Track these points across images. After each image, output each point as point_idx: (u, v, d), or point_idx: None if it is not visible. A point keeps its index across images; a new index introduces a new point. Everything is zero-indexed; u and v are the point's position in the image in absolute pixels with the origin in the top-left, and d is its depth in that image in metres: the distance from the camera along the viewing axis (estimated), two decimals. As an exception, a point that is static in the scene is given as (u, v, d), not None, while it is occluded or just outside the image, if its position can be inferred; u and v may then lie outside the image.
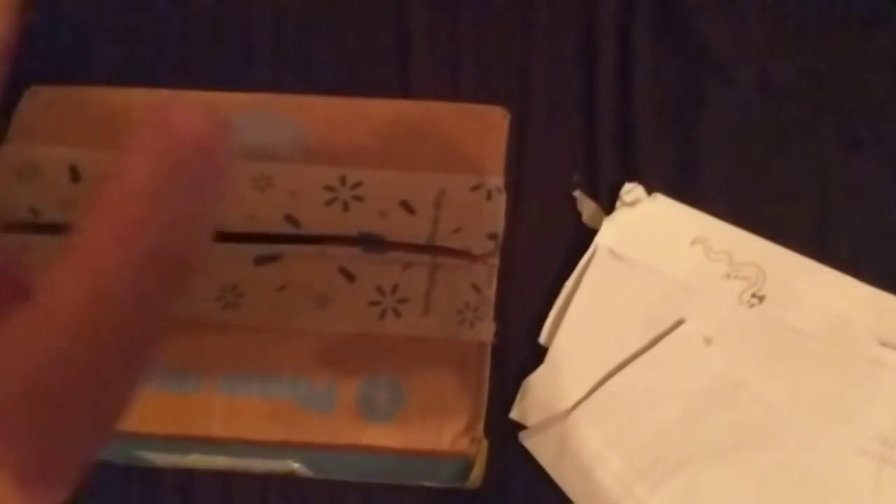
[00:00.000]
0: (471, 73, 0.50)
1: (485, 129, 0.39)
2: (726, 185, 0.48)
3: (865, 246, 0.45)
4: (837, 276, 0.44)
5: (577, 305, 0.45)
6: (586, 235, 0.47)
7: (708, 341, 0.43)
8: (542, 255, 0.47)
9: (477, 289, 0.36)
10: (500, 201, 0.38)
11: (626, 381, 0.43)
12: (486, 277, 0.36)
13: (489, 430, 0.43)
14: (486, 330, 0.36)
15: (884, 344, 0.43)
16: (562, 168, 0.49)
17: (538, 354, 0.45)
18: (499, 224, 0.37)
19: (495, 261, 0.37)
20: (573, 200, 0.48)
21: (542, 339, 0.45)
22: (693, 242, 0.46)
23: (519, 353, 0.45)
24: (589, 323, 0.45)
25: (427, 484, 0.41)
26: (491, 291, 0.36)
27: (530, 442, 0.43)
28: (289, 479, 0.41)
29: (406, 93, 0.49)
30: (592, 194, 0.48)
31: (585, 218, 0.48)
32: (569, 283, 0.46)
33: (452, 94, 0.49)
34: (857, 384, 0.42)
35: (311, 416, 0.34)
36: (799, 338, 0.43)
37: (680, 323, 0.44)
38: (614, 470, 0.41)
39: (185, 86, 0.42)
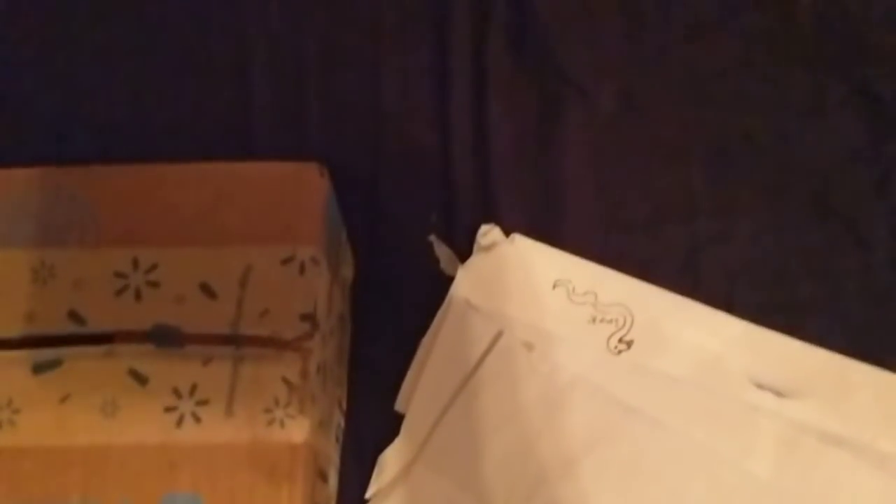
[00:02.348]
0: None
1: (298, 190, 0.35)
2: (590, 219, 0.44)
3: (737, 276, 0.42)
4: (709, 312, 0.41)
5: (432, 366, 0.41)
6: (445, 285, 0.43)
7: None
8: (399, 311, 0.43)
9: (287, 382, 0.32)
10: (316, 274, 0.34)
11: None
12: (299, 367, 0.32)
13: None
14: (299, 429, 0.32)
15: (759, 386, 0.39)
16: (418, 211, 0.45)
17: (397, 424, 0.41)
18: (315, 301, 0.33)
19: (311, 345, 0.33)
20: (431, 246, 0.44)
21: (398, 405, 0.41)
22: (555, 286, 0.42)
23: (375, 424, 0.41)
24: (446, 384, 0.41)
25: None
26: (306, 381, 0.32)
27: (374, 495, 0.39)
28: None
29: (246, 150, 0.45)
30: (450, 238, 0.44)
31: (442, 265, 0.44)
32: (425, 342, 0.42)
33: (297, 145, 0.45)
34: (733, 434, 0.39)
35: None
36: (671, 386, 0.40)
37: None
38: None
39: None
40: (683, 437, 0.38)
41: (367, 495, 0.40)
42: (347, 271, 0.42)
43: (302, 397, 0.32)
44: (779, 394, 0.39)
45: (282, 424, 0.31)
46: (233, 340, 0.32)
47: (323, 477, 0.36)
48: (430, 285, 0.43)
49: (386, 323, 0.43)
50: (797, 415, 0.39)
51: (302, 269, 0.34)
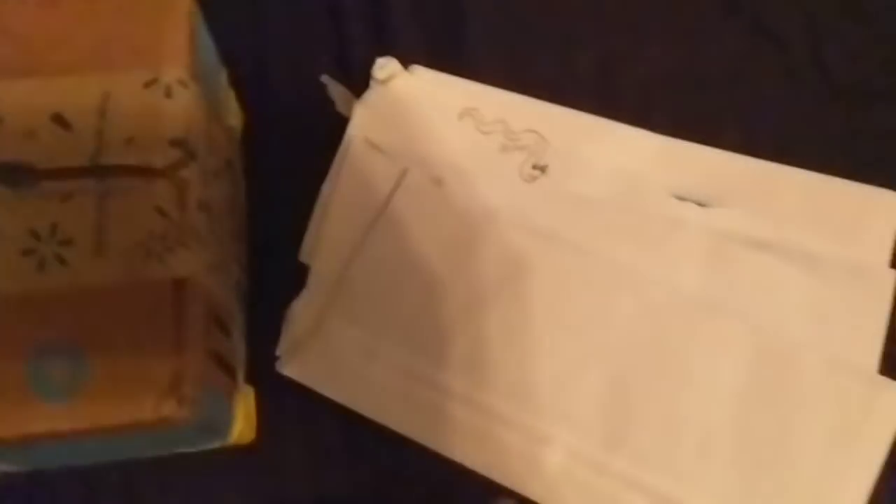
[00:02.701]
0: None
1: (160, 11, 0.31)
2: (496, 45, 0.41)
3: (652, 91, 0.39)
4: (625, 129, 0.39)
5: (335, 213, 0.38)
6: (342, 126, 0.40)
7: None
8: (296, 160, 0.40)
9: (163, 212, 0.28)
10: (186, 98, 0.30)
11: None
12: (175, 196, 0.29)
13: (259, 377, 0.36)
14: (183, 262, 0.28)
15: (680, 198, 0.38)
16: (308, 50, 0.41)
17: (303, 274, 0.38)
18: (187, 126, 0.29)
19: (188, 173, 0.29)
20: (324, 87, 0.40)
21: (303, 256, 0.38)
22: (461, 116, 0.39)
23: (281, 276, 0.38)
24: (352, 230, 0.38)
25: (184, 450, 0.34)
26: (185, 212, 0.29)
27: (290, 369, 0.36)
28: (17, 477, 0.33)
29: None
30: (345, 77, 0.40)
31: (338, 106, 0.40)
32: (325, 187, 0.39)
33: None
34: (657, 251, 0.37)
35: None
36: (590, 208, 0.38)
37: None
38: (389, 361, 0.36)
39: None
40: (607, 259, 0.36)
41: (278, 352, 0.37)
42: (233, 119, 0.39)
43: (182, 229, 0.28)
44: (701, 204, 0.37)
45: (160, 259, 0.28)
46: (94, 172, 0.28)
47: (222, 328, 0.32)
48: (327, 129, 0.40)
49: (284, 173, 0.40)
50: (721, 223, 0.37)
51: (168, 93, 0.30)
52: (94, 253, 0.28)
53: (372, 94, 0.39)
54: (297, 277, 0.38)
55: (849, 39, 0.39)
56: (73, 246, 0.28)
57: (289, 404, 0.37)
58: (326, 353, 0.36)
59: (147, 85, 0.30)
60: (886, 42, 0.39)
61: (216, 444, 0.34)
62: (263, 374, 0.36)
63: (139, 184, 0.29)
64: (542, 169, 0.38)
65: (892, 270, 0.36)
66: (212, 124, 0.33)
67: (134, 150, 0.29)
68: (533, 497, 0.34)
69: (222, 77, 0.37)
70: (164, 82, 0.30)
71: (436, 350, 0.35)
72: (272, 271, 0.38)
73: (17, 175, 0.28)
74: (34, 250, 0.28)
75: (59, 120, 0.29)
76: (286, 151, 0.40)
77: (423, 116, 0.39)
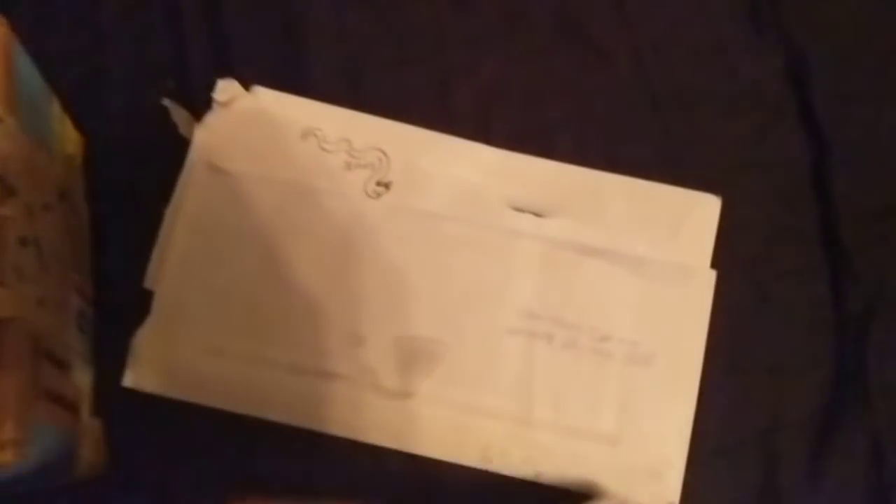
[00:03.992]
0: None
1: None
2: (336, 64, 0.41)
3: (490, 106, 0.41)
4: (464, 144, 0.40)
5: (180, 236, 0.38)
6: (186, 148, 0.40)
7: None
8: (140, 180, 0.40)
9: (-22, 254, 0.28)
10: (2, 131, 0.29)
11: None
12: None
13: (106, 405, 0.36)
14: (1, 302, 0.28)
15: (517, 209, 0.39)
16: (148, 73, 0.41)
17: (149, 302, 0.38)
18: (3, 162, 0.29)
19: (6, 210, 0.29)
20: (167, 111, 0.40)
21: (147, 282, 0.38)
22: (304, 136, 0.40)
23: (128, 302, 0.38)
24: (197, 254, 0.38)
25: (29, 489, 0.34)
26: (3, 251, 0.28)
27: (136, 381, 0.36)
28: None
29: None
30: (187, 100, 0.40)
31: (181, 129, 0.40)
32: (168, 212, 0.39)
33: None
34: (495, 261, 0.38)
35: None
36: (432, 222, 0.39)
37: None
38: (232, 352, 0.37)
39: None
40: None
41: (125, 383, 0.37)
42: (71, 147, 0.38)
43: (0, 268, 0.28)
44: (538, 214, 0.39)
45: (-23, 301, 0.27)
46: None
47: (59, 364, 0.32)
48: (171, 151, 0.40)
49: (128, 198, 0.39)
50: (556, 232, 0.39)
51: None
52: None
53: (213, 117, 0.39)
54: (144, 303, 0.38)
55: (668, 53, 0.41)
56: None
57: (140, 428, 0.37)
58: (172, 360, 0.37)
59: (-45, 120, 0.29)
60: (702, 52, 0.42)
61: (63, 481, 0.34)
62: (114, 401, 0.36)
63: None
64: (387, 185, 0.39)
65: (712, 270, 0.39)
66: (38, 156, 0.33)
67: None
68: (364, 439, 0.37)
69: (53, 106, 0.36)
70: (-26, 115, 0.29)
71: (261, 329, 0.37)
72: (118, 298, 0.38)
73: None
74: None
75: None
76: (130, 176, 0.40)
77: (266, 137, 0.39)
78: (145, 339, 0.37)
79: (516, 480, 0.37)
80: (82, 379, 0.36)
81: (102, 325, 0.38)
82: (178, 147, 0.39)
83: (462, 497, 0.37)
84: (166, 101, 0.40)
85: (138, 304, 0.37)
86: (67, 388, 0.33)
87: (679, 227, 0.39)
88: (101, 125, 0.40)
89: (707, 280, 0.38)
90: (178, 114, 0.40)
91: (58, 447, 0.32)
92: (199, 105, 0.40)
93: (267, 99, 0.40)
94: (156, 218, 0.39)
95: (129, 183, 0.39)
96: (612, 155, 0.40)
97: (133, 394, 0.36)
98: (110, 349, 0.37)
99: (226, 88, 0.40)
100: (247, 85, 0.40)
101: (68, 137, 0.38)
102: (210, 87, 0.40)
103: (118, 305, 0.38)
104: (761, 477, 0.38)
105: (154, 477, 0.37)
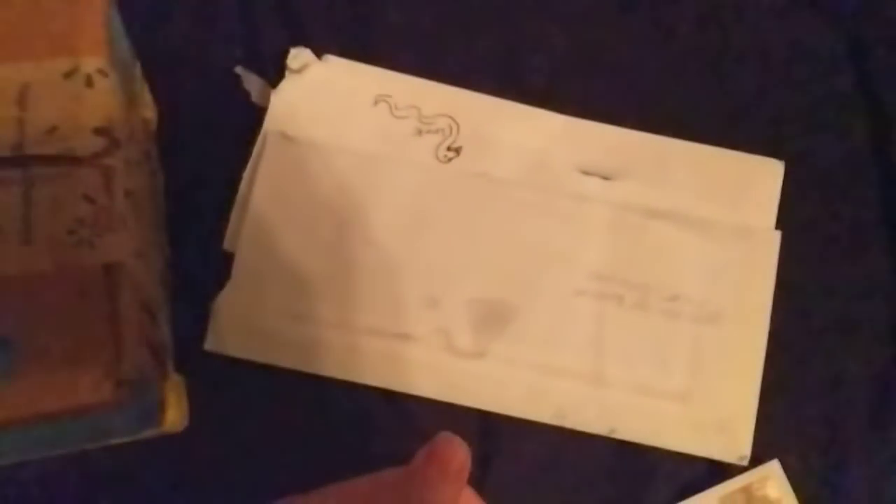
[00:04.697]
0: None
1: (72, 2, 0.31)
2: (406, 32, 0.42)
3: (557, 74, 0.42)
4: (531, 111, 0.41)
5: (256, 205, 0.39)
6: (259, 116, 0.40)
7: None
8: (213, 148, 0.40)
9: (90, 199, 0.29)
10: (107, 87, 0.30)
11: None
12: (101, 182, 0.29)
13: (187, 365, 0.37)
14: (112, 247, 0.28)
15: (585, 172, 0.40)
16: (218, 42, 0.42)
17: (228, 263, 0.39)
18: (109, 115, 0.30)
19: (113, 161, 0.29)
20: (238, 79, 0.41)
21: (227, 244, 0.39)
22: (375, 103, 0.40)
23: (206, 266, 0.38)
24: (274, 221, 0.39)
25: (114, 441, 0.34)
26: (113, 199, 0.29)
27: (215, 342, 0.37)
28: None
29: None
30: (256, 69, 0.41)
31: (254, 97, 0.41)
32: (244, 178, 0.39)
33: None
34: (564, 225, 0.39)
35: None
36: (502, 187, 0.40)
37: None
38: (315, 318, 0.38)
39: None
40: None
41: (207, 346, 0.37)
42: (148, 112, 0.39)
43: (110, 216, 0.29)
44: (605, 178, 0.40)
45: (91, 245, 0.28)
46: (17, 163, 0.28)
47: (151, 315, 0.33)
48: (242, 121, 0.40)
49: (203, 165, 0.40)
50: (623, 196, 0.40)
51: (89, 82, 0.30)
52: (21, 241, 0.28)
53: (287, 84, 0.40)
54: (218, 269, 0.38)
55: (732, 20, 0.42)
56: (1, 234, 0.28)
57: (217, 393, 0.37)
58: (253, 324, 0.37)
59: (67, 75, 0.30)
60: (767, 19, 0.43)
61: (147, 433, 0.34)
62: (189, 366, 0.37)
63: (65, 172, 0.29)
64: (457, 150, 0.40)
65: (777, 231, 0.40)
66: (131, 114, 0.34)
67: (57, 139, 0.29)
68: (438, 397, 0.37)
69: (136, 69, 0.37)
70: (84, 72, 0.30)
71: (338, 293, 0.38)
72: (192, 263, 0.39)
73: (-64, 167, 0.28)
74: (-41, 242, 0.28)
75: (-24, 112, 0.29)
76: (201, 145, 0.40)
77: (338, 104, 0.40)
78: (226, 303, 0.38)
79: (590, 436, 0.38)
80: (166, 335, 0.36)
81: (178, 290, 0.38)
82: (250, 114, 0.40)
83: (537, 453, 0.38)
84: (239, 69, 0.41)
85: (213, 275, 0.38)
86: (158, 339, 0.34)
87: (744, 191, 0.40)
88: (173, 93, 0.40)
89: (772, 240, 0.39)
90: (252, 81, 0.41)
91: (150, 396, 0.32)
92: (268, 75, 0.41)
93: (338, 67, 0.41)
94: (229, 190, 0.39)
95: (201, 151, 0.40)
96: (677, 122, 0.41)
97: (211, 357, 0.37)
98: (186, 314, 0.38)
99: (298, 56, 0.40)
100: (318, 53, 0.41)
101: (146, 101, 0.39)
102: (278, 57, 0.41)
103: (192, 275, 0.38)
104: (829, 430, 0.39)
105: (234, 436, 0.37)
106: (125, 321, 0.28)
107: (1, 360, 0.27)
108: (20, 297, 0.27)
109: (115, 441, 0.34)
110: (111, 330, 0.28)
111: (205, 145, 0.40)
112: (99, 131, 0.29)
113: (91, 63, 0.30)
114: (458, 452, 0.25)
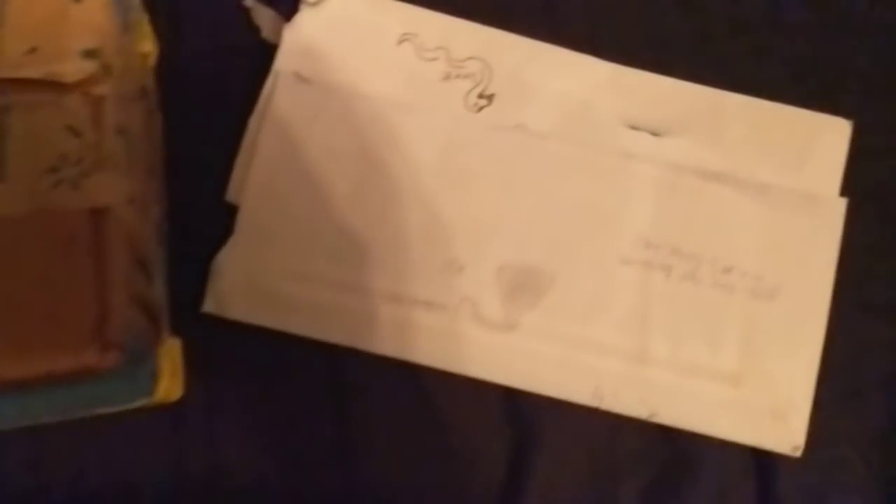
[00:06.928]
0: None
1: None
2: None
3: (601, 18, 0.38)
4: (574, 56, 0.37)
5: (264, 153, 0.35)
6: (269, 55, 0.36)
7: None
8: (217, 86, 0.36)
9: (76, 132, 0.25)
10: (97, 2, 0.26)
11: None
12: (88, 114, 0.25)
13: (184, 328, 0.33)
14: (100, 190, 0.24)
15: (632, 126, 0.36)
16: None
17: (231, 216, 0.35)
18: (100, 36, 0.26)
19: (104, 89, 0.25)
20: (247, 12, 0.37)
21: (230, 195, 0.35)
22: (400, 42, 0.36)
23: (207, 220, 0.35)
24: (283, 171, 0.35)
25: (103, 411, 0.31)
26: (102, 133, 0.25)
27: (215, 304, 0.33)
28: None
29: None
30: (269, 1, 0.37)
31: (265, 32, 0.37)
32: (251, 123, 0.35)
33: None
34: (608, 184, 0.35)
35: None
36: (538, 140, 0.36)
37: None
38: (321, 279, 0.34)
39: None
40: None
41: (205, 308, 0.34)
42: (147, 45, 0.34)
43: (99, 153, 0.25)
44: (654, 133, 0.36)
45: (75, 186, 0.24)
46: (-9, 87, 0.24)
47: (145, 271, 0.29)
48: (252, 59, 0.36)
49: (205, 108, 0.36)
50: (674, 154, 0.36)
51: (77, -3, 0.26)
52: (-7, 179, 0.24)
53: (302, 18, 0.36)
54: (220, 223, 0.34)
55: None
56: (-31, 171, 0.24)
57: (216, 356, 0.34)
58: (256, 285, 0.34)
59: (50, -13, 0.26)
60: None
61: (139, 402, 0.31)
62: (186, 327, 0.33)
63: (46, 99, 0.25)
64: (489, 98, 0.36)
65: (842, 199, 0.36)
66: (126, 42, 0.29)
67: (39, 60, 0.25)
68: (464, 372, 0.34)
69: (133, -5, 0.33)
70: (70, -17, 0.26)
71: (352, 253, 0.34)
72: (191, 216, 0.35)
73: None
74: (-81, 176, 0.24)
75: (-56, 27, 0.25)
76: (205, 85, 0.36)
77: (359, 42, 0.36)
78: (228, 261, 0.34)
79: (628, 419, 0.34)
80: (161, 294, 0.32)
81: (177, 244, 0.34)
82: (261, 54, 0.36)
83: (568, 435, 0.35)
84: (248, 1, 0.36)
85: (214, 229, 0.34)
86: (152, 297, 0.30)
87: (806, 152, 0.36)
88: (176, 27, 0.36)
89: (836, 209, 0.35)
90: (263, 15, 0.36)
91: (143, 361, 0.29)
92: (281, 8, 0.37)
93: (359, 2, 0.36)
94: (237, 132, 0.35)
95: (207, 92, 0.36)
96: (732, 75, 0.37)
97: (211, 320, 0.33)
98: (185, 272, 0.34)
99: (315, -13, 0.36)
100: (337, -14, 0.36)
101: (145, 34, 0.34)
102: (294, -13, 0.36)
103: (191, 228, 0.34)
104: (885, 420, 0.35)
105: (232, 405, 0.34)
106: (114, 277, 0.24)
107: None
108: (-7, 245, 0.23)
109: (103, 411, 0.31)
110: (97, 286, 0.24)
111: (209, 85, 0.36)
112: (88, 54, 0.25)
113: (79, -25, 0.26)
114: None
